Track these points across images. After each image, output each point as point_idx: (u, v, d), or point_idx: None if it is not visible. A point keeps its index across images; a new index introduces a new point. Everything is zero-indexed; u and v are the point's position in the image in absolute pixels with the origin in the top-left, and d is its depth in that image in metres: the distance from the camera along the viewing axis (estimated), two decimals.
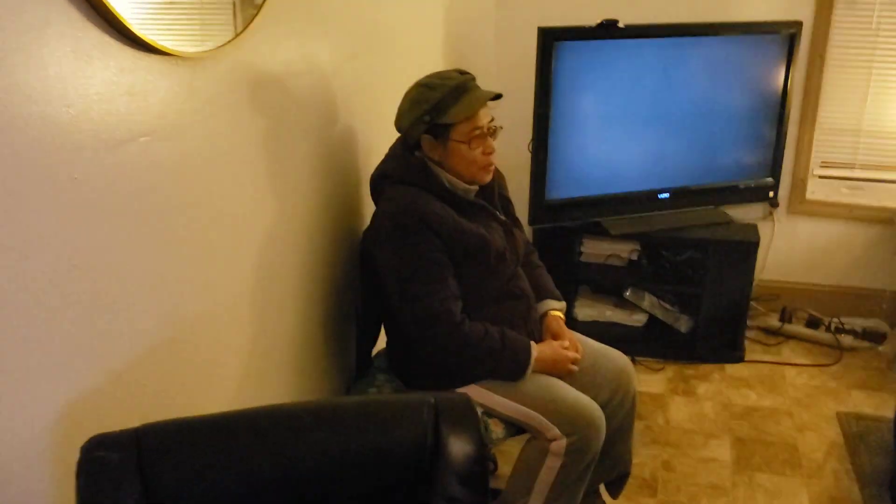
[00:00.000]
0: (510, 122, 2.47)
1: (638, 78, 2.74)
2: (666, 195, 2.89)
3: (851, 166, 3.08)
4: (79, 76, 1.04)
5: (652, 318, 3.03)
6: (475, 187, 1.84)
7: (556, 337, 1.89)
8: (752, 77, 2.87)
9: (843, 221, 3.13)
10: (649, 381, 2.80)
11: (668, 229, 2.85)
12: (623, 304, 3.05)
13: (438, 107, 1.72)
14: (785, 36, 2.81)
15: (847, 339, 3.01)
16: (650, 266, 2.95)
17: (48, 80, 0.99)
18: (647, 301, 3.01)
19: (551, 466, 1.74)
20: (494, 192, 1.91)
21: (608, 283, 3.08)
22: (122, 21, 1.08)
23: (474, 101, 1.73)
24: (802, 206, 3.15)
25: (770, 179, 2.97)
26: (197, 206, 1.34)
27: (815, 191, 3.14)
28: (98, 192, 1.09)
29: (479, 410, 1.15)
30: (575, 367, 1.83)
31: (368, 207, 2.00)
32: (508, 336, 1.76)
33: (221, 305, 1.45)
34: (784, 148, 2.94)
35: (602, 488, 2.06)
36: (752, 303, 3.06)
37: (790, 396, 2.72)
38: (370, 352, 2.06)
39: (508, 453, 1.89)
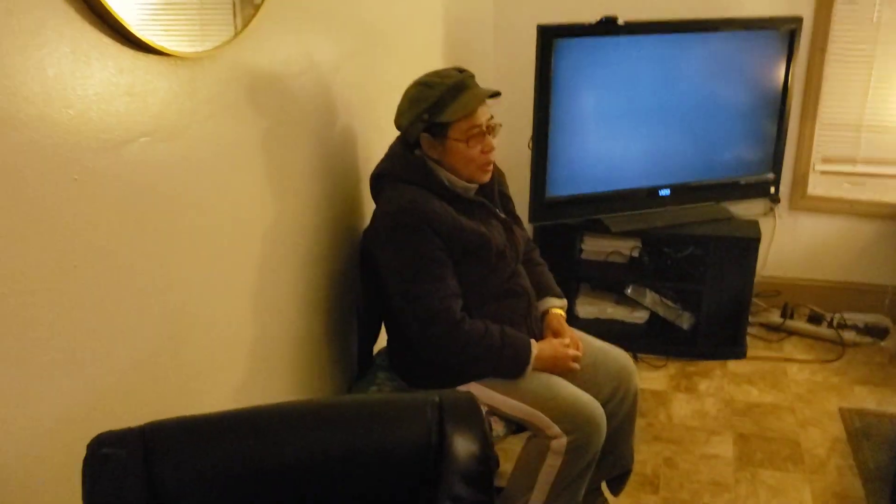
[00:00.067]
0: (510, 119, 2.47)
1: (638, 75, 2.74)
2: (667, 192, 2.89)
3: (853, 161, 3.08)
4: (78, 77, 1.04)
5: (653, 315, 3.02)
6: (475, 185, 1.84)
7: (556, 334, 1.89)
8: (752, 73, 2.86)
9: (845, 217, 3.12)
10: (651, 378, 2.80)
11: (668, 226, 2.85)
12: (624, 301, 3.05)
13: (437, 105, 1.72)
14: (785, 31, 2.80)
15: (849, 335, 3.01)
16: (651, 263, 2.94)
17: (47, 81, 0.99)
18: (649, 298, 3.01)
19: (552, 464, 1.74)
20: (494, 190, 1.91)
21: (609, 281, 3.08)
22: (121, 22, 1.08)
23: (472, 99, 1.73)
24: (804, 202, 3.15)
25: (771, 175, 2.96)
26: (197, 206, 1.34)
27: (817, 186, 3.13)
28: (98, 192, 1.10)
29: (484, 409, 1.14)
30: (576, 366, 1.83)
31: (368, 206, 2.00)
32: (508, 334, 1.76)
33: (223, 305, 1.45)
34: (785, 143, 2.94)
35: (604, 486, 2.06)
36: (754, 299, 3.05)
37: (792, 392, 2.71)
38: (371, 350, 2.06)
39: (510, 451, 1.89)
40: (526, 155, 2.77)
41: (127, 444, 1.00)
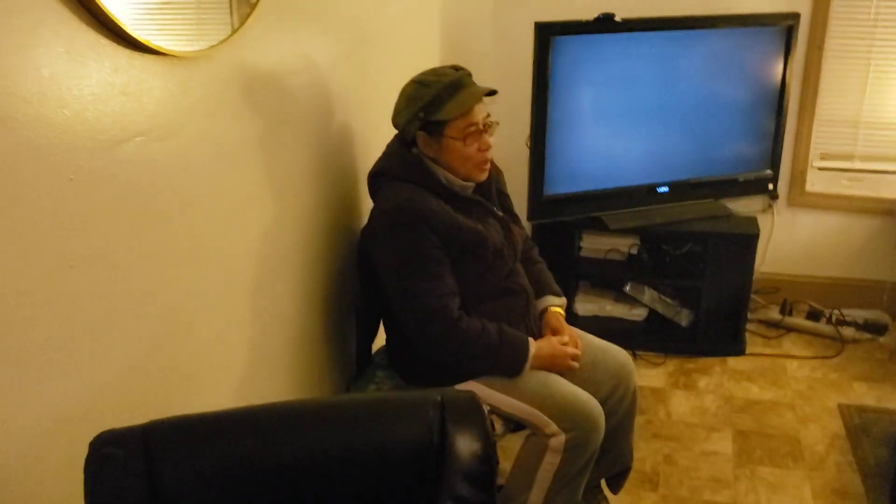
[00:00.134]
0: (508, 117, 2.47)
1: (635, 72, 2.74)
2: (665, 189, 2.89)
3: (851, 158, 3.08)
4: (73, 77, 1.04)
5: (652, 313, 3.02)
6: (472, 184, 1.83)
7: (555, 333, 1.88)
8: (750, 69, 2.86)
9: (843, 213, 3.12)
10: (650, 375, 2.80)
11: (667, 223, 2.85)
12: (623, 298, 3.05)
13: (433, 103, 1.72)
14: (783, 28, 2.80)
15: (848, 331, 3.01)
16: (650, 260, 2.94)
17: (42, 81, 0.99)
18: (648, 295, 3.01)
19: (551, 462, 1.74)
20: (492, 188, 1.91)
21: (608, 278, 3.08)
22: (116, 21, 1.07)
23: (469, 97, 1.72)
24: (802, 199, 3.15)
25: (769, 172, 2.96)
26: (194, 206, 1.34)
27: (815, 183, 3.13)
28: (94, 192, 1.09)
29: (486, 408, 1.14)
30: (575, 364, 1.83)
31: (366, 205, 2.00)
32: (506, 332, 1.75)
33: (221, 304, 1.45)
34: (783, 140, 2.94)
35: (603, 484, 2.06)
36: (753, 295, 3.05)
37: (792, 389, 2.71)
38: (370, 349, 2.06)
39: (509, 448, 1.89)
40: (524, 153, 2.77)
41: (128, 443, 1.00)
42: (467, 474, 1.07)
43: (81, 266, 1.08)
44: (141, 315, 1.22)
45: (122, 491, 0.97)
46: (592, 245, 3.01)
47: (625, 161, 2.83)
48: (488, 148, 1.79)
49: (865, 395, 2.67)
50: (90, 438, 1.00)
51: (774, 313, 3.13)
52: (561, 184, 2.75)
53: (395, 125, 1.82)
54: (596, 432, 1.75)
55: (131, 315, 1.19)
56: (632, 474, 2.06)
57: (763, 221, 3.05)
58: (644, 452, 2.37)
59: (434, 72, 1.77)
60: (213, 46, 1.34)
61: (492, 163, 1.87)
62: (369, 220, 1.83)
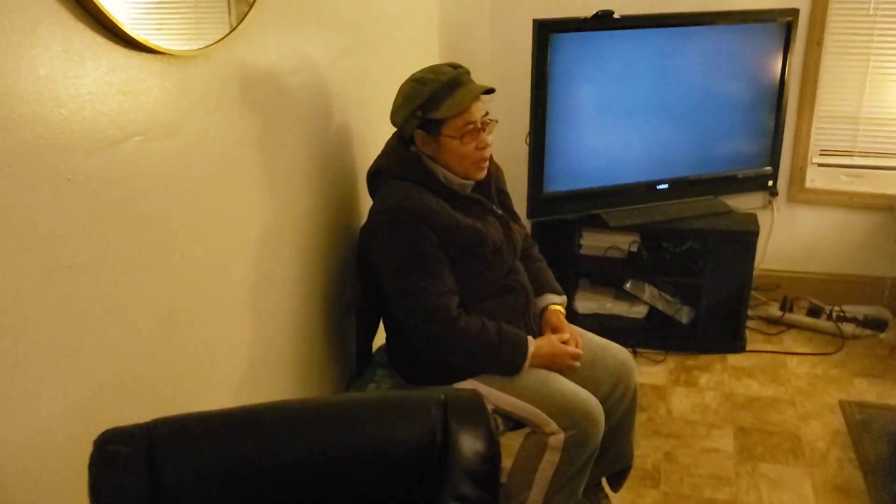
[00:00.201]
0: (507, 115, 2.47)
1: (634, 69, 2.73)
2: (665, 186, 2.88)
3: (850, 154, 3.08)
4: (70, 76, 1.03)
5: (652, 310, 3.02)
6: (471, 182, 1.83)
7: (555, 331, 1.88)
8: (749, 66, 2.85)
9: (843, 209, 3.12)
10: (651, 372, 2.80)
11: (667, 220, 2.84)
12: (623, 296, 3.04)
13: (430, 102, 1.71)
14: (782, 24, 2.80)
15: (849, 328, 3.01)
16: (650, 257, 2.94)
17: (39, 80, 0.98)
18: (648, 292, 3.00)
19: (551, 460, 1.74)
20: (491, 186, 1.91)
21: (608, 276, 3.08)
22: (113, 20, 1.07)
23: (466, 95, 1.72)
24: (802, 195, 3.15)
25: (769, 168, 2.96)
26: (192, 205, 1.34)
27: (815, 179, 3.13)
28: (92, 192, 1.09)
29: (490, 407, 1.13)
30: (576, 363, 1.82)
31: (365, 203, 1.99)
32: (505, 330, 1.75)
33: (220, 304, 1.45)
34: (783, 136, 2.94)
35: (604, 482, 2.05)
36: (753, 292, 3.05)
37: (792, 385, 2.71)
38: (370, 347, 2.06)
39: (508, 447, 1.89)
40: (523, 151, 2.77)
41: (132, 441, 1.00)
42: (471, 473, 1.07)
43: (80, 266, 1.08)
44: (140, 315, 1.21)
45: (125, 488, 0.98)
46: (592, 243, 3.01)
47: (624, 158, 2.83)
48: (486, 146, 1.78)
49: (866, 391, 2.67)
50: (90, 437, 1.00)
51: (775, 310, 3.13)
52: (560, 181, 2.75)
53: (394, 123, 1.81)
54: (595, 431, 1.75)
55: (130, 315, 1.19)
56: (633, 472, 2.06)
57: (763, 218, 3.05)
58: (645, 450, 2.37)
59: (432, 70, 1.77)
60: (210, 45, 1.34)
61: (491, 161, 1.87)
62: (368, 218, 1.83)
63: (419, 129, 1.75)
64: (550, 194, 2.75)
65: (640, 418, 2.20)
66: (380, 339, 2.06)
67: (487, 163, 1.82)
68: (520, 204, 2.19)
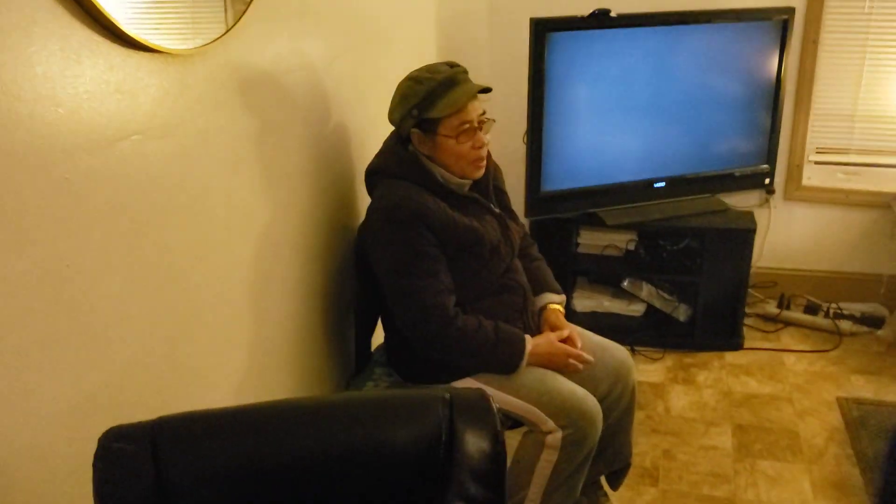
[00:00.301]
0: (505, 114, 2.47)
1: (631, 67, 2.74)
2: (662, 184, 2.89)
3: (847, 151, 3.08)
4: (67, 75, 1.03)
5: (650, 308, 3.02)
6: (469, 181, 1.83)
7: (554, 329, 1.88)
8: (745, 64, 2.86)
9: (840, 207, 3.12)
10: (649, 370, 2.80)
11: (664, 218, 2.85)
12: (621, 294, 3.05)
13: (426, 101, 1.71)
14: (778, 22, 2.80)
15: (846, 325, 3.01)
16: (647, 255, 2.94)
17: (36, 79, 0.98)
18: (645, 290, 3.01)
19: (548, 459, 1.74)
20: (489, 185, 1.91)
21: (606, 274, 3.08)
22: (110, 19, 1.07)
23: (462, 95, 1.72)
24: (798, 193, 3.15)
25: (766, 166, 2.97)
26: (191, 205, 1.34)
27: (811, 177, 3.14)
28: (91, 191, 1.09)
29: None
30: (579, 366, 1.81)
31: (364, 202, 1.99)
32: (502, 329, 1.75)
33: (219, 303, 1.45)
34: (779, 134, 2.94)
35: (603, 480, 2.06)
36: (750, 290, 3.05)
37: (790, 383, 2.72)
38: (369, 346, 2.06)
39: (506, 445, 1.89)
40: (521, 150, 2.77)
41: (137, 438, 1.00)
42: (477, 473, 1.06)
43: (79, 266, 1.07)
44: (138, 314, 1.21)
45: (130, 486, 0.98)
46: (590, 241, 3.01)
47: (621, 157, 2.83)
48: (482, 145, 1.78)
49: (863, 387, 2.68)
50: (90, 437, 0.99)
51: (772, 307, 3.13)
52: (558, 180, 2.75)
53: (391, 122, 1.81)
54: (593, 429, 1.75)
55: (129, 314, 1.19)
56: (631, 470, 2.06)
57: (760, 216, 3.05)
58: (643, 447, 2.37)
59: (428, 69, 1.77)
60: (208, 44, 1.34)
61: (490, 159, 1.87)
62: (366, 217, 1.83)
63: (415, 128, 1.75)
64: (548, 193, 2.75)
65: (638, 416, 2.20)
66: (378, 337, 2.06)
67: (485, 162, 1.81)
68: (517, 203, 2.19)
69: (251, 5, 1.45)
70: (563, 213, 2.84)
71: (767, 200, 3.17)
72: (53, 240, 1.03)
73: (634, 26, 2.68)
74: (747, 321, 3.04)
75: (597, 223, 2.84)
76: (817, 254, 3.20)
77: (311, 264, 1.85)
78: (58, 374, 1.05)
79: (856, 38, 2.93)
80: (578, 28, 2.61)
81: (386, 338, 1.97)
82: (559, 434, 1.72)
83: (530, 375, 1.77)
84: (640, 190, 2.87)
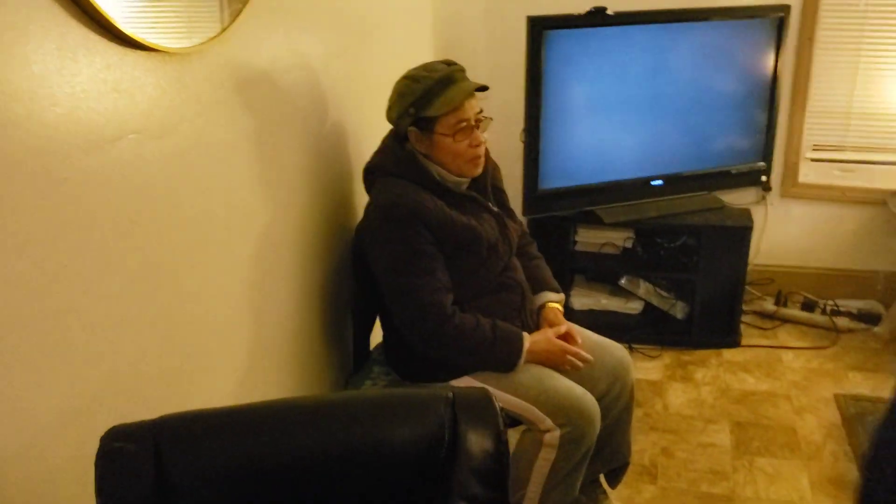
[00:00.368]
0: (502, 112, 2.46)
1: (628, 65, 2.74)
2: (659, 182, 2.89)
3: (842, 149, 3.09)
4: (64, 74, 1.03)
5: (648, 306, 3.03)
6: (466, 179, 1.83)
7: (552, 326, 1.88)
8: (741, 62, 2.86)
9: (836, 204, 3.13)
10: (646, 368, 2.81)
11: (661, 216, 2.85)
12: (618, 291, 3.05)
13: (422, 99, 1.71)
14: (774, 20, 2.81)
15: (843, 321, 3.02)
16: (645, 253, 2.95)
17: (32, 78, 0.97)
18: (643, 288, 3.01)
19: (546, 458, 1.74)
20: (487, 184, 1.90)
21: (603, 272, 3.08)
22: (107, 17, 1.06)
23: (458, 93, 1.71)
24: (795, 190, 3.16)
25: (762, 164, 2.97)
26: (189, 204, 1.33)
27: (808, 174, 3.14)
28: (88, 190, 1.08)
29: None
30: (578, 364, 1.81)
31: (362, 201, 1.99)
32: (500, 327, 1.75)
33: (217, 303, 1.44)
34: (775, 132, 2.95)
35: (602, 478, 2.06)
36: (747, 287, 3.06)
37: (787, 380, 2.72)
38: (367, 345, 2.05)
39: None
40: (518, 148, 2.77)
41: (138, 438, 1.00)
42: (479, 472, 1.06)
43: (77, 266, 1.07)
44: (137, 314, 1.21)
45: (131, 485, 0.98)
46: (587, 239, 3.01)
47: (619, 155, 2.83)
48: (479, 144, 1.77)
49: (860, 384, 2.68)
50: (90, 437, 0.99)
51: (769, 304, 3.14)
52: (555, 178, 2.75)
53: (389, 120, 1.81)
54: (591, 427, 1.75)
55: (127, 314, 1.18)
56: (630, 467, 2.06)
57: (756, 213, 3.06)
58: (642, 445, 2.37)
59: (425, 67, 1.76)
60: (205, 42, 1.33)
61: (488, 158, 1.87)
62: (364, 216, 1.83)
63: (413, 126, 1.75)
64: (545, 191, 2.75)
65: (636, 414, 2.21)
66: (377, 336, 2.06)
67: (482, 160, 1.81)
68: (515, 201, 2.19)
69: (247, 4, 1.44)
70: (560, 211, 2.84)
71: (764, 198, 3.17)
72: (52, 240, 1.02)
73: (631, 24, 2.68)
74: (745, 318, 3.05)
75: (594, 221, 2.85)
76: (814, 251, 3.21)
77: (310, 263, 1.84)
78: (58, 374, 1.05)
79: (851, 36, 2.94)
80: (575, 26, 2.61)
81: (384, 336, 1.97)
82: (557, 432, 1.72)
83: (528, 374, 1.77)
84: (638, 188, 2.88)
